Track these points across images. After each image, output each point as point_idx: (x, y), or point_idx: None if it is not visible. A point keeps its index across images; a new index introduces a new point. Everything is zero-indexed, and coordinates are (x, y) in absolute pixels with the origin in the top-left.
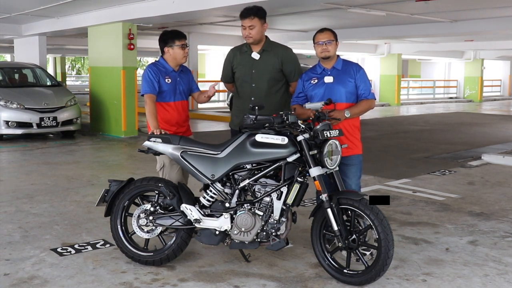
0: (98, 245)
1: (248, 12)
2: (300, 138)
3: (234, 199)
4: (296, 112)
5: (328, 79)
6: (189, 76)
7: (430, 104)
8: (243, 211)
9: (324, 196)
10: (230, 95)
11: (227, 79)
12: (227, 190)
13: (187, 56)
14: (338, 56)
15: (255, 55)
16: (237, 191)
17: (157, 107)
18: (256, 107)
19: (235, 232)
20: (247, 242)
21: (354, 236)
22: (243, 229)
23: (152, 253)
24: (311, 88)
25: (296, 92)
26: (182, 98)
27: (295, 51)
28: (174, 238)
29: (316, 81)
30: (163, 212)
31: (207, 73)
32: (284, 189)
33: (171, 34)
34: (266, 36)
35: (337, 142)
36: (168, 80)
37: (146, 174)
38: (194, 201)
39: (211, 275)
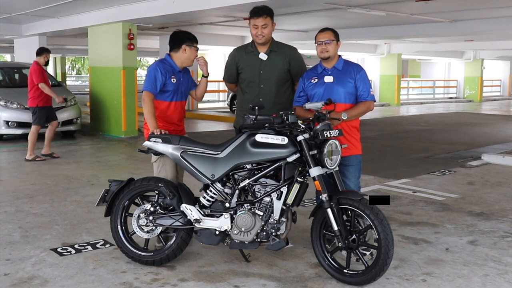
0: (98, 245)
1: (263, 11)
2: (300, 138)
3: (234, 199)
4: (296, 113)
5: (328, 79)
6: (189, 76)
7: (430, 104)
8: (243, 211)
9: (324, 196)
10: (230, 95)
11: (231, 79)
12: (227, 190)
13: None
14: (339, 56)
15: (263, 56)
16: (237, 191)
17: (159, 106)
18: (256, 107)
19: (235, 232)
20: (247, 242)
21: (354, 236)
22: (243, 229)
23: (152, 253)
24: (311, 87)
25: (297, 91)
26: (182, 98)
27: None
28: (174, 238)
29: (316, 80)
30: (163, 212)
31: None
32: (284, 189)
33: (190, 35)
34: (271, 37)
35: (337, 142)
36: (173, 80)
37: (146, 174)
38: (194, 201)
39: (211, 275)
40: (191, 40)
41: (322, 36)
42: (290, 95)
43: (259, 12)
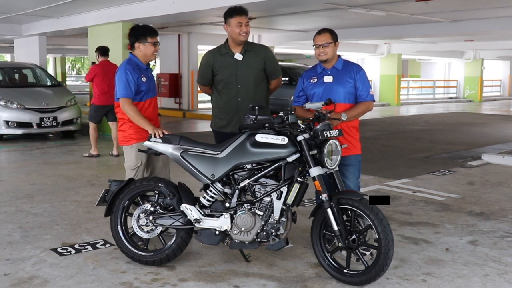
0: (98, 245)
1: (244, 10)
2: (300, 138)
3: (234, 199)
4: (296, 113)
5: (328, 79)
6: (151, 70)
7: (430, 104)
8: (243, 211)
9: (324, 196)
10: None
11: (206, 82)
12: (227, 190)
13: (157, 53)
14: (339, 56)
15: (238, 56)
16: (237, 191)
17: (137, 107)
18: (256, 107)
19: (235, 232)
20: (247, 242)
21: (354, 236)
22: (243, 229)
23: (152, 253)
24: (310, 87)
25: (297, 91)
26: (154, 94)
27: (295, 51)
28: (174, 238)
29: (315, 80)
30: (163, 212)
31: None
32: (284, 189)
33: (143, 30)
34: None
35: (337, 142)
36: (144, 79)
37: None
38: (194, 201)
39: (211, 275)
40: (144, 35)
41: (319, 39)
42: (265, 94)
43: (242, 10)
